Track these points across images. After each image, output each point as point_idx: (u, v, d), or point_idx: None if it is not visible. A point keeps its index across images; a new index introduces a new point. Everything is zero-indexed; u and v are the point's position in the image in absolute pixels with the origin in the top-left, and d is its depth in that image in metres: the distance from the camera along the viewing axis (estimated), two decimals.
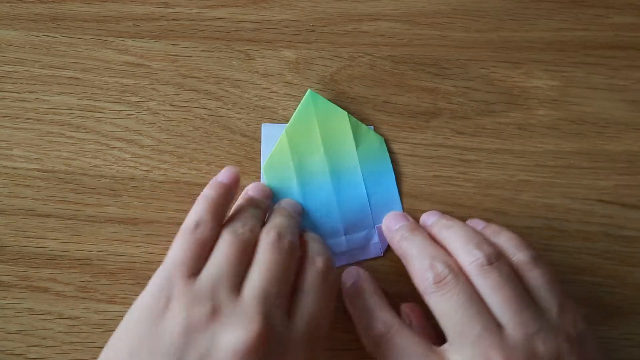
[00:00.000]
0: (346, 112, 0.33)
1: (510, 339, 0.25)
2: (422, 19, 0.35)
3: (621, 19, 0.35)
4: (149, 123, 0.33)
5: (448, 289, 0.26)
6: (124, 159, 0.33)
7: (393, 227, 0.31)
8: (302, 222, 0.32)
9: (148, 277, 0.32)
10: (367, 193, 0.33)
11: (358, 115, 0.34)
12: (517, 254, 0.28)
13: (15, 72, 0.34)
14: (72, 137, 0.33)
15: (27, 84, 0.34)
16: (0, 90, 0.34)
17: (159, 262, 0.32)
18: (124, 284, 0.32)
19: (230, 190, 0.29)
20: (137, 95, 0.34)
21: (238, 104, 0.34)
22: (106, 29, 0.34)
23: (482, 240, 0.28)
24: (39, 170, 0.33)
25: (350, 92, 0.34)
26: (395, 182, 0.33)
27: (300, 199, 0.32)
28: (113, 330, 0.31)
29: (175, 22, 0.34)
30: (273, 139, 0.33)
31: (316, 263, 0.27)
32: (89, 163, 0.33)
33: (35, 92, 0.34)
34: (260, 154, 0.33)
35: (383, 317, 0.28)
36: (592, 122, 0.34)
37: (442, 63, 0.34)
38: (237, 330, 0.23)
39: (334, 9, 0.35)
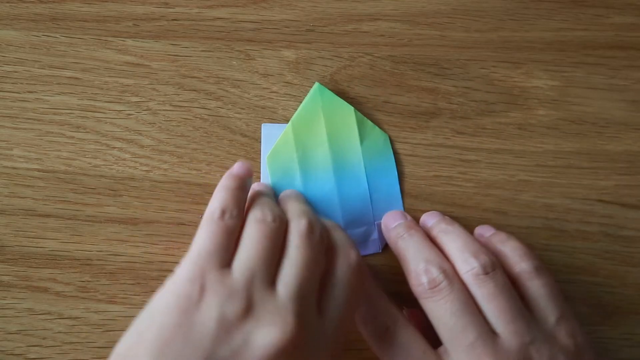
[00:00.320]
0: (353, 107, 0.33)
1: (504, 348, 0.25)
2: (422, 19, 0.35)
3: (621, 19, 0.35)
4: (149, 123, 0.33)
5: (442, 295, 0.26)
6: (124, 159, 0.33)
7: (390, 225, 0.31)
8: None
9: (148, 277, 0.32)
10: (369, 189, 0.33)
11: None
12: (521, 264, 0.28)
13: (15, 72, 0.34)
14: (72, 137, 0.33)
15: (27, 84, 0.34)
16: (0, 90, 0.34)
17: (159, 262, 0.33)
18: (124, 284, 0.32)
19: (245, 182, 0.28)
20: (137, 95, 0.34)
21: (238, 104, 0.34)
22: (106, 29, 0.34)
23: (479, 248, 0.28)
24: (39, 170, 0.33)
25: (350, 92, 0.34)
26: (397, 180, 0.33)
27: (302, 190, 0.32)
28: (113, 331, 0.31)
29: (175, 22, 0.34)
30: (273, 139, 0.33)
31: (349, 256, 0.27)
32: (89, 163, 0.33)
33: (35, 92, 0.34)
34: (260, 154, 0.33)
35: (389, 310, 0.28)
36: (592, 122, 0.34)
37: (442, 63, 0.34)
38: (271, 329, 0.22)
39: (334, 9, 0.35)
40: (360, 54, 0.34)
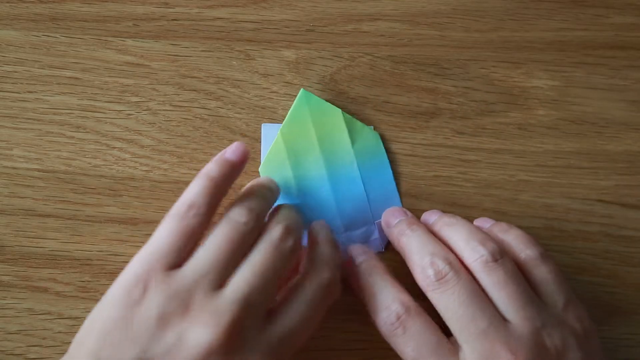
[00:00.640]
0: (340, 110, 0.33)
1: (515, 334, 0.25)
2: (422, 19, 0.35)
3: (621, 19, 0.35)
4: (149, 123, 0.33)
5: (450, 286, 0.26)
6: (124, 159, 0.33)
7: (392, 222, 0.31)
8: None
9: None
10: (365, 189, 0.33)
11: (358, 115, 0.34)
12: (526, 251, 0.28)
13: (15, 72, 0.34)
14: (72, 137, 0.33)
15: (27, 84, 0.34)
16: (0, 90, 0.34)
17: None
18: None
19: (235, 169, 0.27)
20: (137, 95, 0.34)
21: (238, 104, 0.34)
22: (106, 29, 0.34)
23: (485, 237, 0.28)
24: (39, 170, 0.33)
25: (350, 92, 0.34)
26: (392, 178, 0.33)
27: (298, 198, 0.32)
28: None
29: (175, 22, 0.34)
30: (273, 139, 0.33)
31: (322, 275, 0.27)
32: (89, 163, 0.33)
33: (35, 92, 0.34)
34: (260, 154, 0.33)
35: (401, 297, 0.27)
36: (592, 122, 0.34)
37: (442, 63, 0.34)
38: (204, 330, 0.23)
39: (334, 9, 0.35)
40: (360, 54, 0.34)
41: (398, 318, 0.27)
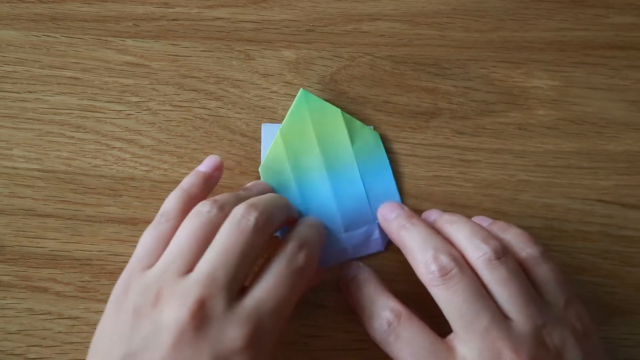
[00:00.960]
0: (339, 110, 0.33)
1: (517, 331, 0.25)
2: (422, 19, 0.35)
3: (621, 19, 0.35)
4: (149, 123, 0.33)
5: (454, 282, 0.26)
6: (124, 159, 0.33)
7: (389, 216, 0.30)
8: None
9: None
10: (365, 189, 0.33)
11: (358, 115, 0.34)
12: (527, 249, 0.28)
13: (15, 72, 0.34)
14: (72, 137, 0.33)
15: (27, 84, 0.34)
16: (0, 90, 0.34)
17: None
18: None
19: (208, 179, 0.29)
20: (137, 95, 0.34)
21: (238, 104, 0.34)
22: (106, 29, 0.34)
23: (488, 235, 0.28)
24: (39, 170, 0.33)
25: (350, 92, 0.34)
26: (392, 177, 0.33)
27: (299, 198, 0.32)
28: None
29: (175, 22, 0.34)
30: (273, 139, 0.33)
31: (287, 246, 0.27)
32: (89, 163, 0.33)
33: (35, 92, 0.34)
34: (260, 154, 0.33)
35: (391, 304, 0.28)
36: (592, 122, 0.34)
37: (442, 63, 0.34)
38: (172, 311, 0.24)
39: (334, 9, 0.35)
40: (360, 54, 0.34)
41: (389, 325, 0.27)
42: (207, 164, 0.30)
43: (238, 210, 0.27)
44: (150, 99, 0.34)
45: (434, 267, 0.26)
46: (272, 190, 0.32)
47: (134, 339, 0.24)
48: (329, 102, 0.33)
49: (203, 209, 0.27)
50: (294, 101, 0.33)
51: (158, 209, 0.32)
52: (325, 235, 0.31)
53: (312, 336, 0.31)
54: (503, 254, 0.27)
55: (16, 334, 0.31)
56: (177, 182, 0.33)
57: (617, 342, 0.32)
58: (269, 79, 0.34)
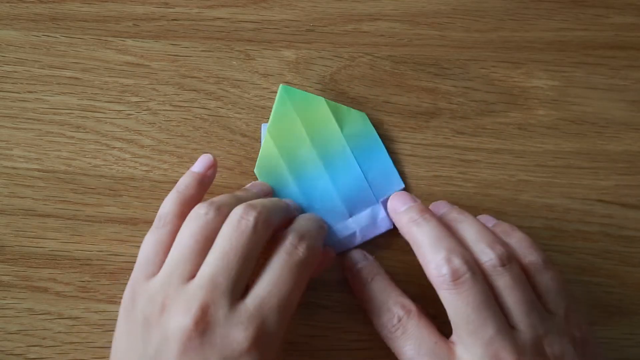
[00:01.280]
0: (323, 98, 0.33)
1: (519, 341, 0.25)
2: (422, 19, 0.35)
3: (621, 19, 0.35)
4: (149, 123, 0.33)
5: (465, 288, 0.25)
6: (124, 159, 0.33)
7: (399, 208, 0.29)
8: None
9: None
10: (362, 171, 0.33)
11: None
12: (529, 256, 0.27)
13: (15, 72, 0.34)
14: (72, 137, 0.33)
15: (27, 84, 0.34)
16: (0, 90, 0.34)
17: None
18: (124, 284, 0.31)
19: (202, 179, 0.29)
20: (137, 95, 0.34)
21: (238, 104, 0.34)
22: (106, 29, 0.34)
23: (495, 239, 0.27)
24: (39, 170, 0.33)
25: (350, 92, 0.34)
26: (387, 154, 0.33)
27: (298, 193, 0.32)
28: (113, 330, 0.31)
29: (175, 22, 0.34)
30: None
31: (286, 241, 0.27)
32: (89, 163, 0.33)
33: (35, 92, 0.34)
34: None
35: (402, 301, 0.28)
36: (592, 122, 0.34)
37: (442, 63, 0.34)
38: (178, 318, 0.24)
39: (334, 9, 0.35)
40: (360, 54, 0.34)
41: (399, 320, 0.27)
42: (200, 164, 0.30)
43: (237, 211, 0.27)
44: (150, 99, 0.34)
45: (445, 270, 0.25)
46: (271, 190, 0.32)
47: (148, 350, 0.24)
48: None
49: (201, 212, 0.27)
50: (276, 98, 0.32)
51: (158, 209, 0.32)
52: (326, 229, 0.31)
53: (312, 336, 0.31)
54: (508, 260, 0.26)
55: (16, 334, 0.31)
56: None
57: (617, 342, 0.32)
58: (269, 79, 0.34)
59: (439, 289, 0.26)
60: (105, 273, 0.32)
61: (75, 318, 0.31)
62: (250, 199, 0.29)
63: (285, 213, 0.29)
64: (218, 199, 0.28)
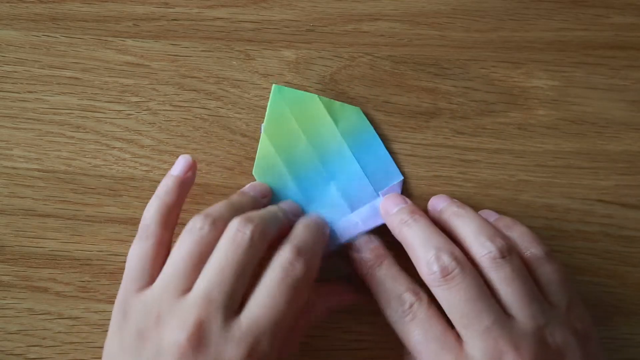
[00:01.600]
0: (316, 95, 0.33)
1: (519, 331, 0.25)
2: (422, 19, 0.35)
3: (621, 19, 0.35)
4: (149, 123, 0.33)
5: (456, 282, 0.26)
6: (124, 159, 0.33)
7: (391, 209, 0.30)
8: (308, 212, 0.32)
9: None
10: (360, 165, 0.33)
11: None
12: (531, 249, 0.28)
13: (15, 72, 0.34)
14: (72, 137, 0.33)
15: (27, 84, 0.34)
16: (0, 90, 0.34)
17: None
18: None
19: (182, 183, 0.29)
20: (137, 95, 0.34)
21: (238, 104, 0.34)
22: (106, 29, 0.34)
23: (495, 232, 0.27)
24: (39, 170, 0.33)
25: (350, 92, 0.34)
26: (383, 146, 0.33)
27: (298, 191, 0.32)
28: None
29: (175, 22, 0.34)
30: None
31: (282, 255, 0.26)
32: (89, 163, 0.33)
33: (35, 92, 0.34)
34: None
35: (412, 287, 0.28)
36: (592, 122, 0.34)
37: (442, 63, 0.34)
38: (173, 333, 0.24)
39: (334, 9, 0.35)
40: (360, 54, 0.34)
41: (410, 306, 0.27)
42: (179, 167, 0.29)
43: (233, 225, 0.26)
44: (150, 99, 0.34)
45: (435, 267, 0.26)
46: (270, 191, 0.32)
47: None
48: None
49: (196, 226, 0.27)
50: (270, 98, 0.33)
51: None
52: (327, 234, 0.30)
53: (312, 336, 0.31)
54: (508, 252, 0.27)
55: (16, 334, 0.31)
56: None
57: (617, 342, 0.32)
58: (269, 79, 0.34)
59: (431, 286, 0.27)
60: (105, 273, 0.32)
61: (75, 318, 0.31)
62: (247, 206, 0.29)
63: (283, 223, 0.29)
64: (213, 210, 0.28)
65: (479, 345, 0.25)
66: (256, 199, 0.30)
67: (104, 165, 0.33)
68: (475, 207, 0.33)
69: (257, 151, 0.32)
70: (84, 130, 0.33)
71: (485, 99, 0.34)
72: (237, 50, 0.34)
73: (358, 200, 0.32)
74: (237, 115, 0.34)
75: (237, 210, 0.28)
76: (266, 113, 0.33)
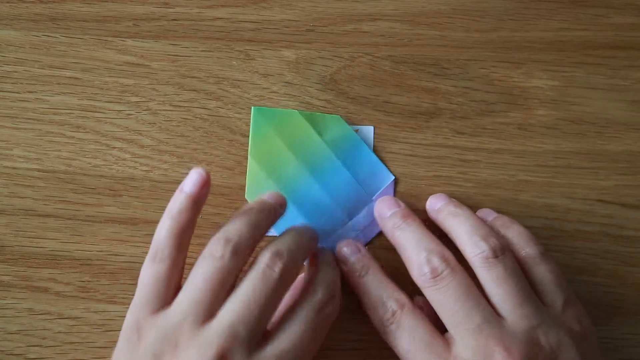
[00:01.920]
0: (295, 110, 0.33)
1: (510, 330, 0.25)
2: (422, 19, 0.35)
3: (621, 19, 0.35)
4: (149, 123, 0.33)
5: (445, 283, 0.26)
6: (124, 159, 0.33)
7: (385, 214, 0.30)
8: None
9: None
10: (350, 172, 0.33)
11: (358, 115, 0.34)
12: (527, 249, 0.28)
13: (15, 72, 0.34)
14: (72, 137, 0.33)
15: (27, 84, 0.34)
16: (0, 90, 0.34)
17: None
18: (124, 284, 0.32)
19: (196, 201, 0.27)
20: (137, 95, 0.34)
21: (238, 104, 0.34)
22: (106, 29, 0.34)
23: (489, 232, 0.28)
24: (39, 170, 0.33)
25: (350, 92, 0.34)
26: (369, 150, 0.33)
27: (294, 208, 0.32)
28: (113, 330, 0.31)
29: (175, 22, 0.34)
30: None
31: (316, 297, 0.26)
32: (89, 163, 0.33)
33: (35, 92, 0.34)
34: None
35: (396, 295, 0.28)
36: (592, 122, 0.34)
37: (442, 63, 0.34)
38: None
39: (334, 9, 0.35)
40: (360, 54, 0.34)
41: (393, 314, 0.27)
42: (192, 183, 0.27)
43: (263, 260, 0.26)
44: (150, 99, 0.34)
45: (426, 269, 0.27)
46: (285, 201, 0.29)
47: None
48: (329, 102, 0.34)
49: (217, 254, 0.25)
50: (251, 121, 0.33)
51: (158, 209, 0.33)
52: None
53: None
54: (501, 252, 0.27)
55: (16, 334, 0.31)
56: (177, 182, 0.33)
57: (617, 342, 0.32)
58: (269, 79, 0.34)
59: (423, 288, 0.27)
60: (105, 273, 0.32)
61: (75, 318, 0.31)
62: (266, 223, 0.28)
63: (309, 247, 0.29)
64: (233, 232, 0.26)
65: (469, 344, 0.25)
66: (275, 212, 0.29)
67: (104, 165, 0.33)
68: (475, 207, 0.33)
69: (247, 175, 0.32)
70: (84, 130, 0.33)
71: (485, 99, 0.34)
72: (237, 50, 0.34)
73: (354, 208, 0.32)
74: (237, 115, 0.34)
75: (256, 228, 0.27)
76: (250, 136, 0.33)
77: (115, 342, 0.26)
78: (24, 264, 0.32)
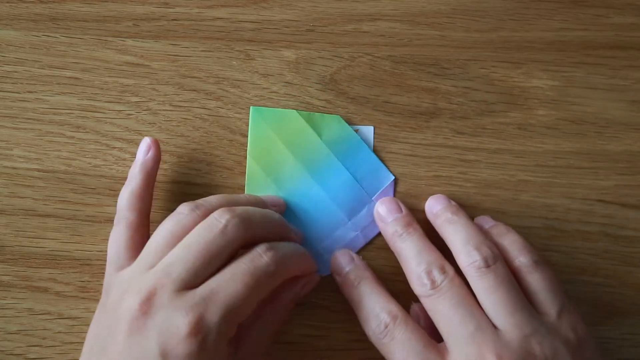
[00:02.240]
0: (294, 110, 0.33)
1: (504, 339, 0.25)
2: (422, 19, 0.35)
3: (621, 19, 0.35)
4: (149, 123, 0.33)
5: (443, 292, 0.27)
6: (124, 159, 0.33)
7: (387, 218, 0.31)
8: (307, 228, 0.32)
9: None
10: (350, 173, 0.33)
11: (358, 115, 0.34)
12: (520, 257, 0.28)
13: (15, 72, 0.34)
14: (72, 137, 0.33)
15: (27, 84, 0.34)
16: (0, 90, 0.34)
17: None
18: None
19: (144, 166, 0.30)
20: (137, 95, 0.34)
21: (238, 104, 0.34)
22: (106, 29, 0.34)
23: (482, 241, 0.28)
24: (39, 170, 0.33)
25: (350, 92, 0.34)
26: (369, 149, 0.33)
27: (293, 208, 0.32)
28: None
29: (175, 22, 0.34)
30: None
31: (254, 249, 0.27)
32: (89, 163, 0.33)
33: (35, 92, 0.34)
34: None
35: (389, 306, 0.28)
36: (592, 122, 0.34)
37: (442, 63, 0.34)
38: (129, 299, 0.25)
39: (334, 9, 0.35)
40: (360, 54, 0.34)
41: (386, 326, 0.27)
42: (140, 151, 0.31)
43: (213, 213, 0.27)
44: (150, 99, 0.34)
45: (426, 281, 0.27)
46: (283, 202, 0.32)
47: (102, 332, 0.25)
48: (329, 102, 0.34)
49: (179, 210, 0.28)
50: (250, 121, 0.33)
51: (158, 209, 0.33)
52: (308, 260, 0.30)
53: (312, 336, 0.31)
54: (493, 261, 0.27)
55: (16, 334, 0.31)
56: (177, 182, 0.33)
57: (617, 342, 0.32)
58: (269, 79, 0.34)
59: (420, 297, 0.27)
60: (105, 273, 0.32)
61: (75, 318, 0.31)
62: (243, 202, 0.29)
63: (273, 227, 0.29)
64: (204, 199, 0.29)
65: (463, 352, 0.25)
66: (260, 201, 0.30)
67: (104, 165, 0.33)
68: (475, 207, 0.33)
69: (246, 175, 0.33)
70: (84, 130, 0.33)
71: (485, 99, 0.34)
72: (237, 50, 0.34)
73: (353, 207, 0.32)
74: (237, 115, 0.34)
75: (228, 203, 0.28)
76: (248, 136, 0.33)
77: None
78: (24, 264, 0.32)
